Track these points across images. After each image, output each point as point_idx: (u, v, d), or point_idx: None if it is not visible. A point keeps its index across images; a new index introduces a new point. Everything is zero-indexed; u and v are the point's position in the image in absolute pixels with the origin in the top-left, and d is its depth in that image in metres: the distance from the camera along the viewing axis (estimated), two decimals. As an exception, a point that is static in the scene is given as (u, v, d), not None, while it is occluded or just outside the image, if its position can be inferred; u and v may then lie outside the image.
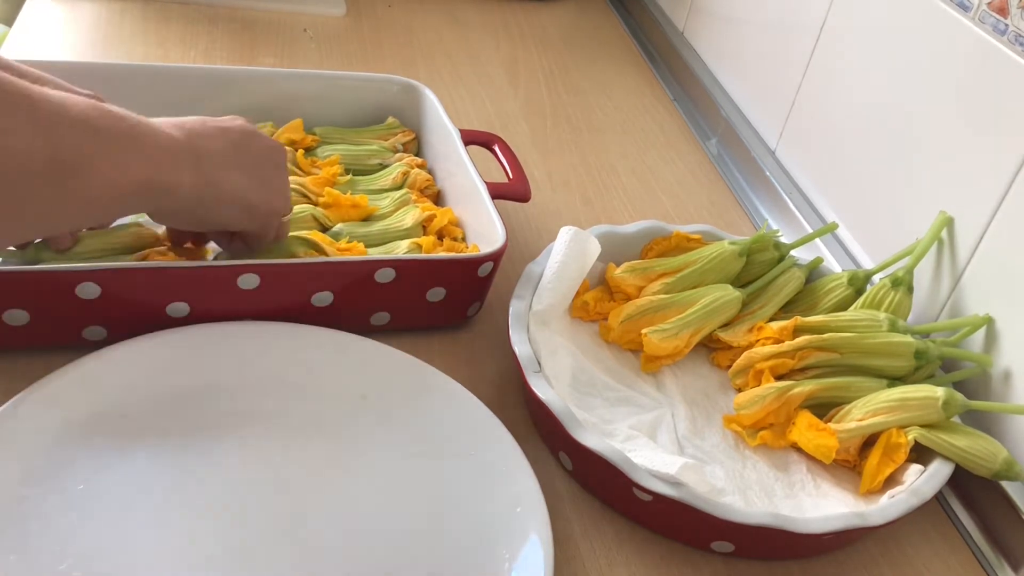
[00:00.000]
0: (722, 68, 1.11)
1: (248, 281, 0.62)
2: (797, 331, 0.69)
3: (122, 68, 0.80)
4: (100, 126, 0.50)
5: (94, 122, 0.50)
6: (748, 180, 0.99)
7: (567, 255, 0.69)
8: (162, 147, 0.54)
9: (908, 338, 0.67)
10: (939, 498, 0.68)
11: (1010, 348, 0.67)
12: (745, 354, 0.69)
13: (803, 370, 0.68)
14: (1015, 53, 0.67)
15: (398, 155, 0.83)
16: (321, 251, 0.68)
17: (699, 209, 0.94)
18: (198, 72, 0.81)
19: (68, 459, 0.55)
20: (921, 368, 0.68)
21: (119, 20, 1.02)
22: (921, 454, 0.63)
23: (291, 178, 0.75)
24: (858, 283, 0.73)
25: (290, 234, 0.69)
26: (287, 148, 0.79)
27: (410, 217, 0.74)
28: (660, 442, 0.64)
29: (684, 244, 0.76)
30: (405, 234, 0.73)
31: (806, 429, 0.64)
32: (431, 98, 0.84)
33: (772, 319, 0.72)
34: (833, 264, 0.83)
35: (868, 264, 0.82)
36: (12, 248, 0.62)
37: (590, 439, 0.57)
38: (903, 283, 0.71)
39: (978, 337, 0.69)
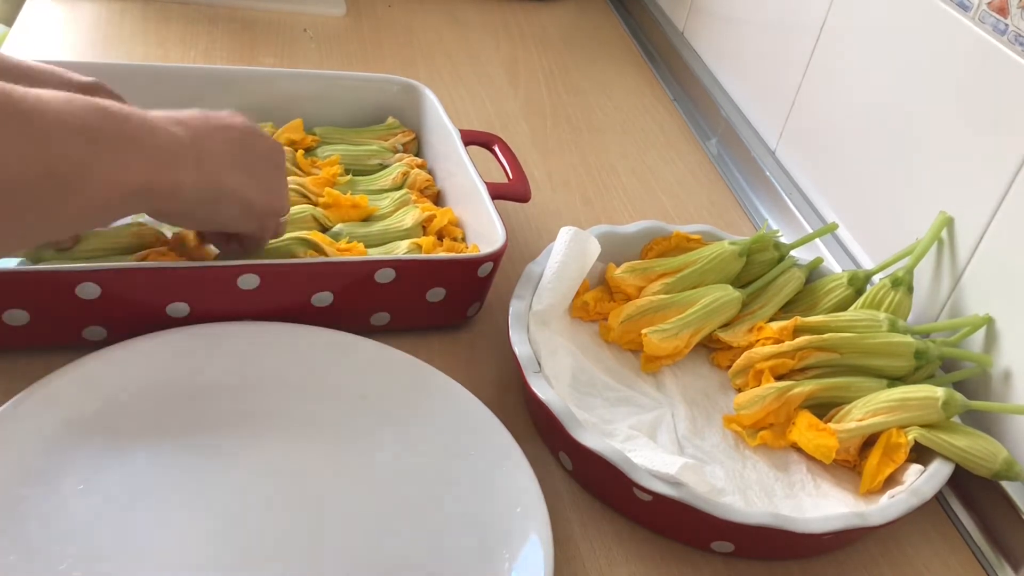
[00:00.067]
0: (722, 68, 1.11)
1: (248, 281, 0.62)
2: (797, 331, 0.69)
3: (122, 68, 0.80)
4: (99, 132, 0.49)
5: (92, 129, 0.49)
6: (748, 180, 0.99)
7: (567, 255, 0.69)
8: (163, 148, 0.54)
9: (908, 338, 0.67)
10: (939, 498, 0.68)
11: (1010, 348, 0.67)
12: (745, 354, 0.69)
13: (803, 370, 0.68)
14: (1015, 53, 0.67)
15: (398, 155, 0.83)
16: (321, 251, 0.68)
17: (699, 209, 0.94)
18: (198, 72, 0.81)
19: (68, 459, 0.55)
20: (921, 368, 0.68)
21: (119, 20, 1.02)
22: (921, 454, 0.63)
23: (291, 178, 0.75)
24: (858, 283, 0.73)
25: (290, 234, 0.69)
26: (287, 148, 0.79)
27: (410, 217, 0.74)
28: (660, 442, 0.64)
29: (684, 244, 0.76)
30: (405, 234, 0.73)
31: (806, 429, 0.64)
32: (431, 98, 0.84)
33: (772, 319, 0.72)
34: (833, 264, 0.83)
35: (868, 264, 0.82)
36: None
37: (590, 439, 0.57)
38: (903, 283, 0.71)
39: (978, 337, 0.69)
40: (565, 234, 0.70)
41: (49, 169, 0.46)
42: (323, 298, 0.65)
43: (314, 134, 0.83)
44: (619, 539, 0.60)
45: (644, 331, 0.69)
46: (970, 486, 0.67)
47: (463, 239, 0.75)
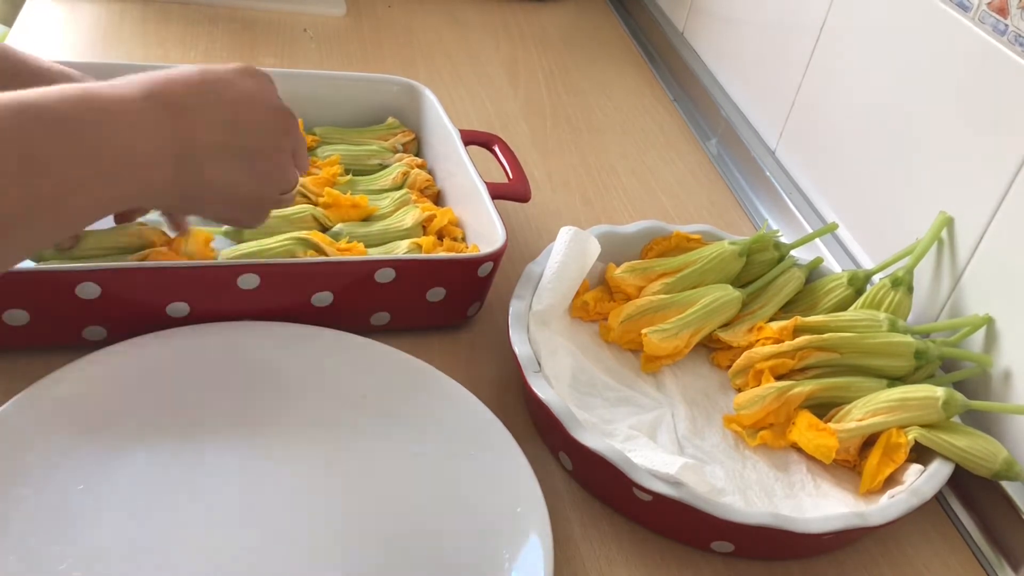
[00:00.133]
0: (722, 68, 1.11)
1: (248, 281, 0.62)
2: (797, 331, 0.69)
3: (122, 68, 0.80)
4: (44, 163, 0.44)
5: (36, 161, 0.44)
6: (748, 180, 0.99)
7: (567, 255, 0.69)
8: (128, 153, 0.48)
9: (908, 338, 0.67)
10: (939, 498, 0.68)
11: (1010, 348, 0.67)
12: (745, 354, 0.69)
13: (803, 370, 0.68)
14: (1015, 53, 0.67)
15: (398, 155, 0.83)
16: (321, 251, 0.68)
17: (699, 209, 0.94)
18: (198, 72, 0.81)
19: (68, 459, 0.55)
20: (921, 368, 0.68)
21: (119, 20, 1.02)
22: (921, 454, 0.63)
23: (291, 178, 0.76)
24: (858, 283, 0.73)
25: (290, 234, 0.69)
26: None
27: (410, 217, 0.74)
28: (660, 442, 0.64)
29: (684, 244, 0.76)
30: (405, 234, 0.73)
31: (806, 429, 0.64)
32: (431, 98, 0.84)
33: (772, 319, 0.72)
34: (833, 264, 0.83)
35: (868, 264, 0.82)
36: None
37: (590, 439, 0.57)
38: (903, 283, 0.71)
39: (978, 337, 0.69)
40: (565, 234, 0.70)
41: (22, 202, 0.43)
42: (323, 298, 0.65)
43: (314, 134, 0.83)
44: (619, 539, 0.60)
45: (644, 331, 0.69)
46: (970, 486, 0.67)
47: (463, 239, 0.75)
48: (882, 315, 0.69)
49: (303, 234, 0.69)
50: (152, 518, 0.53)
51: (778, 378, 0.68)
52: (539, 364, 0.63)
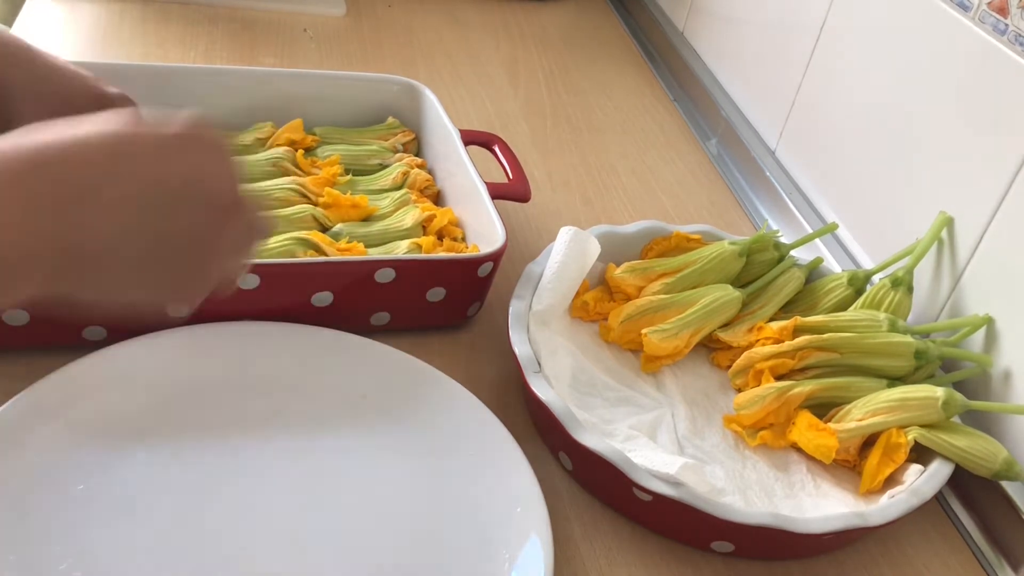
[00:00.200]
0: (722, 68, 1.11)
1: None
2: (797, 331, 0.69)
3: (122, 68, 0.80)
4: None
5: None
6: (748, 180, 0.99)
7: (567, 255, 0.69)
8: None
9: (908, 338, 0.67)
10: (939, 498, 0.68)
11: (1010, 348, 0.67)
12: (745, 354, 0.69)
13: (803, 370, 0.68)
14: (1015, 53, 0.67)
15: (398, 155, 0.83)
16: (321, 251, 0.68)
17: (699, 209, 0.94)
18: (198, 72, 0.81)
19: (68, 459, 0.55)
20: (921, 368, 0.68)
21: (119, 20, 1.02)
22: (921, 454, 0.63)
23: (291, 178, 0.76)
24: (858, 283, 0.73)
25: (290, 234, 0.69)
26: (287, 148, 0.79)
27: (410, 217, 0.74)
28: (660, 442, 0.64)
29: (684, 244, 0.76)
30: (405, 234, 0.73)
31: (806, 429, 0.64)
32: (431, 98, 0.84)
33: (772, 319, 0.72)
34: (833, 264, 0.83)
35: (868, 264, 0.82)
36: None
37: (590, 439, 0.57)
38: (903, 283, 0.71)
39: (978, 337, 0.69)
40: (565, 234, 0.70)
41: None
42: (323, 298, 0.65)
43: (314, 134, 0.83)
44: (619, 539, 0.60)
45: (644, 331, 0.69)
46: (970, 486, 0.67)
47: (463, 239, 0.75)
48: (882, 315, 0.69)
49: (303, 234, 0.69)
50: (152, 518, 0.53)
51: (778, 378, 0.68)
52: (539, 364, 0.63)
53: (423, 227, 0.74)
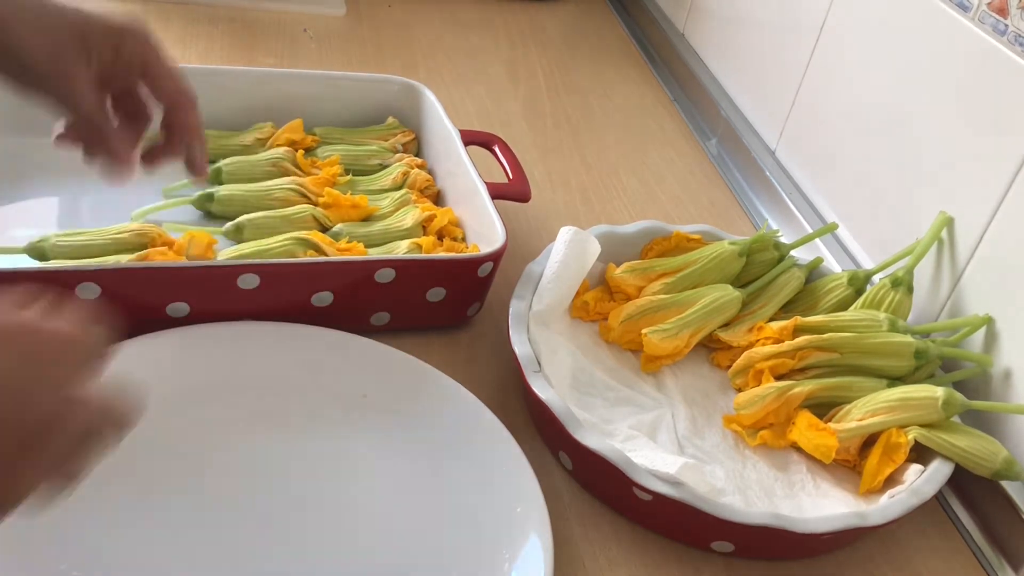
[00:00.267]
0: (722, 68, 1.11)
1: (248, 281, 0.62)
2: (797, 331, 0.69)
3: (122, 68, 0.80)
4: None
5: None
6: (748, 180, 0.99)
7: (567, 255, 0.69)
8: None
9: (908, 338, 0.67)
10: (939, 498, 0.68)
11: (1010, 348, 0.67)
12: (745, 354, 0.69)
13: (803, 370, 0.68)
14: (1015, 53, 0.67)
15: (398, 155, 0.83)
16: (321, 251, 0.68)
17: (699, 209, 0.94)
18: (198, 72, 0.81)
19: (68, 459, 0.55)
20: (921, 368, 0.68)
21: (119, 20, 1.02)
22: (921, 454, 0.63)
23: (291, 178, 0.76)
24: (858, 283, 0.73)
25: (290, 234, 0.69)
26: (287, 148, 0.79)
27: (410, 217, 0.74)
28: (660, 442, 0.64)
29: (684, 244, 0.76)
30: (405, 234, 0.73)
31: (806, 429, 0.64)
32: (431, 98, 0.84)
33: (772, 319, 0.72)
34: (833, 264, 0.83)
35: (868, 264, 0.82)
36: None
37: (590, 439, 0.57)
38: (903, 283, 0.71)
39: (978, 337, 0.69)
40: (565, 234, 0.70)
41: None
42: (323, 298, 0.65)
43: (314, 134, 0.83)
44: (619, 539, 0.60)
45: (644, 331, 0.69)
46: (970, 486, 0.67)
47: (463, 239, 0.75)
48: (882, 315, 0.69)
49: (303, 234, 0.69)
50: (152, 518, 0.53)
51: (778, 378, 0.68)
52: (539, 364, 0.63)
53: (423, 227, 0.74)
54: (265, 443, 0.59)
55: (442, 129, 0.81)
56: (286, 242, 0.68)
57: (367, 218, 0.75)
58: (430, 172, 0.82)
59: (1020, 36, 0.67)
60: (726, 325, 0.72)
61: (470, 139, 0.81)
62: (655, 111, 1.10)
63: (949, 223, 0.73)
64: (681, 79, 1.16)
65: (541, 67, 1.14)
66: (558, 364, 0.65)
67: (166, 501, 0.54)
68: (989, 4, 0.69)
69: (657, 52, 1.24)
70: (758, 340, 0.70)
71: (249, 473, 0.57)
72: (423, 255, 0.70)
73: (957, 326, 0.69)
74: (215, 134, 0.80)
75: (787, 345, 0.68)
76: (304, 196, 0.75)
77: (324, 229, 0.73)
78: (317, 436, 0.60)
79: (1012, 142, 0.67)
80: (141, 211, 0.71)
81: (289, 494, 0.56)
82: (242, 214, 0.72)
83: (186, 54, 0.98)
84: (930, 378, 0.68)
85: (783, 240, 0.77)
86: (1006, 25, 0.68)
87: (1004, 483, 0.64)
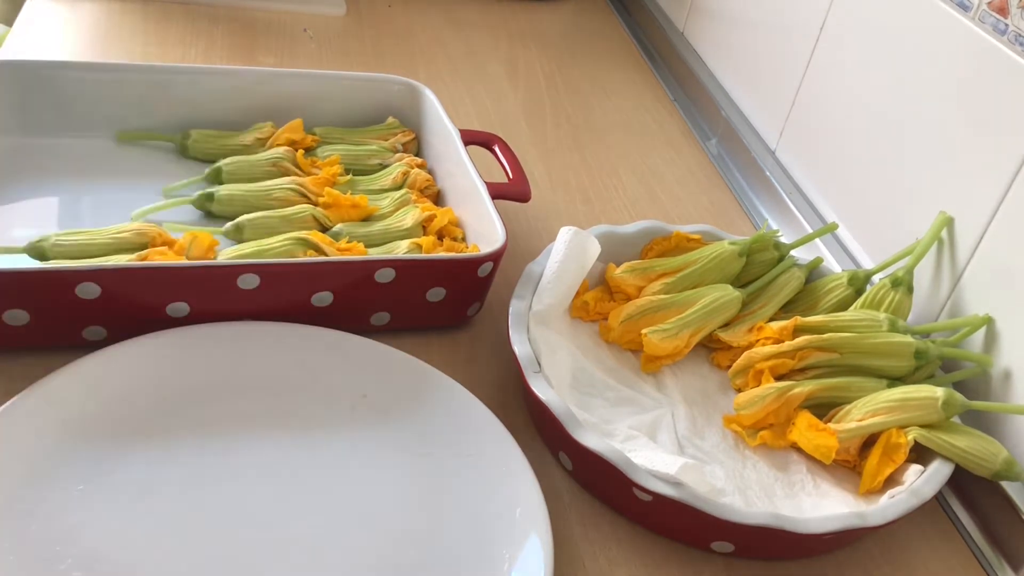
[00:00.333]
0: (722, 68, 1.11)
1: (248, 281, 0.62)
2: (797, 331, 0.69)
3: (122, 68, 0.80)
4: None
5: None
6: (748, 180, 0.99)
7: (567, 255, 0.69)
8: None
9: (908, 338, 0.67)
10: (939, 498, 0.68)
11: (1010, 348, 0.67)
12: (745, 354, 0.69)
13: (803, 370, 0.68)
14: (1015, 53, 0.67)
15: (398, 155, 0.83)
16: (321, 251, 0.68)
17: (699, 209, 0.94)
18: (198, 72, 0.81)
19: (68, 459, 0.55)
20: (921, 368, 0.68)
21: (119, 20, 1.02)
22: (921, 454, 0.63)
23: (291, 178, 0.76)
24: (858, 283, 0.73)
25: (290, 234, 0.69)
26: (287, 148, 0.79)
27: (410, 217, 0.74)
28: (660, 442, 0.64)
29: (684, 244, 0.76)
30: (405, 234, 0.73)
31: (806, 429, 0.64)
32: (431, 98, 0.84)
33: (772, 319, 0.72)
34: (833, 264, 0.83)
35: (868, 264, 0.82)
36: None
37: (590, 439, 0.57)
38: (903, 283, 0.71)
39: (978, 337, 0.69)
40: (565, 234, 0.70)
41: None
42: (323, 298, 0.65)
43: (314, 134, 0.83)
44: (619, 539, 0.60)
45: (644, 331, 0.69)
46: (970, 486, 0.67)
47: (463, 239, 0.75)
48: (882, 315, 0.69)
49: (303, 234, 0.69)
50: (152, 518, 0.53)
51: (778, 378, 0.68)
52: (539, 364, 0.63)
53: (423, 227, 0.74)
54: (265, 443, 0.59)
55: (442, 129, 0.81)
56: (286, 242, 0.68)
57: (367, 218, 0.75)
58: (430, 172, 0.82)
59: (1020, 36, 0.67)
60: (726, 325, 0.72)
61: (470, 139, 0.81)
62: (655, 111, 1.10)
63: (949, 223, 0.73)
64: (681, 79, 1.16)
65: (541, 67, 1.14)
66: (558, 364, 0.65)
67: (166, 501, 0.54)
68: (989, 4, 0.69)
69: (657, 52, 1.24)
70: (758, 340, 0.70)
71: (249, 473, 0.57)
72: (423, 255, 0.70)
73: (957, 326, 0.69)
74: (215, 134, 0.80)
75: (787, 345, 0.68)
76: (304, 196, 0.75)
77: (324, 229, 0.73)
78: (317, 436, 0.60)
79: (1012, 142, 0.67)
80: (141, 211, 0.71)
81: (289, 494, 0.56)
82: (242, 214, 0.72)
83: (186, 54, 0.98)
84: (930, 378, 0.68)
85: (783, 240, 0.77)
86: (1006, 25, 0.68)
87: (1004, 483, 0.64)
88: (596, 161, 0.98)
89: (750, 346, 0.70)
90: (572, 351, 0.68)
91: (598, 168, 0.97)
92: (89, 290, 0.59)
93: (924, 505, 0.59)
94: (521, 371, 0.62)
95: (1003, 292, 0.68)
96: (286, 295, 0.64)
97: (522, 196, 0.77)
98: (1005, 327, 0.67)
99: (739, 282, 0.74)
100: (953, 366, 0.70)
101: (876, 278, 0.74)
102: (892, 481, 0.63)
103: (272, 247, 0.68)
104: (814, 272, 0.76)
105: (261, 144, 0.81)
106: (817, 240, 0.82)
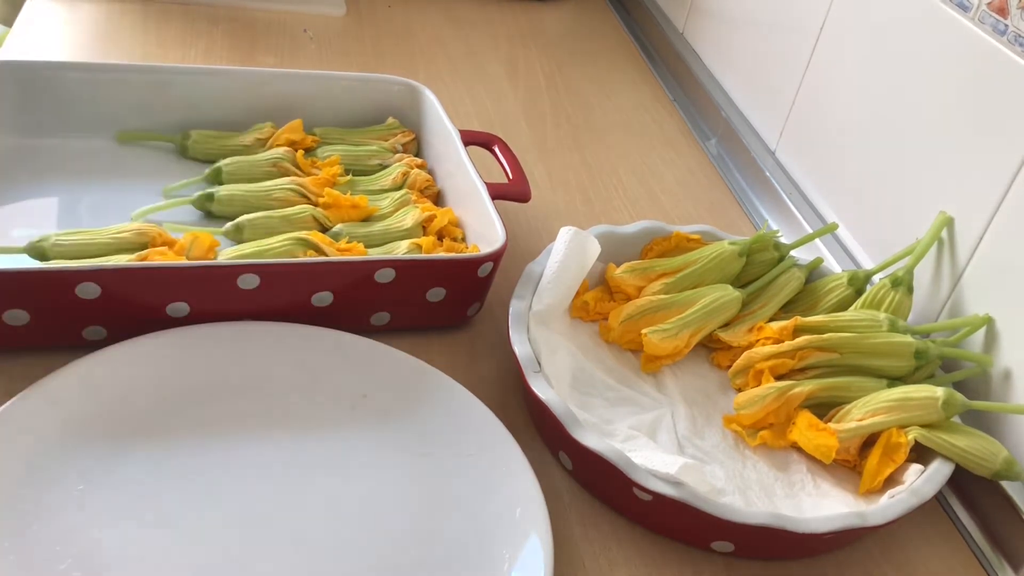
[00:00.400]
0: (722, 68, 1.11)
1: (248, 281, 0.62)
2: (797, 331, 0.69)
3: (122, 68, 0.80)
4: None
5: None
6: (748, 180, 0.99)
7: (567, 255, 0.69)
8: None
9: (908, 338, 0.67)
10: (939, 498, 0.68)
11: (1010, 348, 0.67)
12: (745, 354, 0.69)
13: (803, 370, 0.68)
14: (1015, 53, 0.67)
15: (398, 155, 0.83)
16: (321, 251, 0.68)
17: (699, 209, 0.94)
18: (198, 72, 0.81)
19: (68, 459, 0.55)
20: (921, 368, 0.68)
21: (119, 20, 1.02)
22: (921, 454, 0.63)
23: (291, 178, 0.76)
24: (858, 283, 0.73)
25: (290, 234, 0.69)
26: (287, 149, 0.79)
27: (410, 217, 0.74)
28: (660, 442, 0.64)
29: (684, 244, 0.76)
30: (405, 234, 0.73)
31: (806, 429, 0.64)
32: (431, 98, 0.84)
33: (772, 319, 0.72)
34: (833, 264, 0.83)
35: (868, 264, 0.82)
36: None
37: (590, 439, 0.57)
38: (903, 283, 0.71)
39: (978, 337, 0.69)
40: (565, 234, 0.70)
41: None
42: (323, 298, 0.65)
43: (314, 134, 0.83)
44: (619, 539, 0.60)
45: (644, 331, 0.69)
46: (970, 486, 0.67)
47: (463, 239, 0.75)
48: (882, 315, 0.69)
49: (303, 234, 0.69)
50: (152, 518, 0.53)
51: (778, 378, 0.68)
52: (539, 364, 0.63)
53: (423, 227, 0.74)
54: (265, 443, 0.59)
55: (442, 129, 0.81)
56: (286, 242, 0.68)
57: (367, 218, 0.75)
58: (430, 172, 0.82)
59: (1020, 36, 0.67)
60: (726, 325, 0.72)
61: (470, 139, 0.81)
62: (655, 111, 1.10)
63: (949, 223, 0.73)
64: (681, 79, 1.16)
65: (541, 67, 1.14)
66: (558, 364, 0.65)
67: (166, 501, 0.54)
68: (989, 4, 0.70)
69: (657, 52, 1.24)
70: (758, 340, 0.70)
71: (249, 473, 0.57)
72: (423, 255, 0.70)
73: (957, 326, 0.69)
74: (215, 134, 0.80)
75: (787, 345, 0.68)
76: (304, 196, 0.75)
77: (324, 229, 0.73)
78: (317, 436, 0.60)
79: (1012, 142, 0.67)
80: (141, 211, 0.71)
81: (289, 494, 0.56)
82: (242, 214, 0.72)
83: (186, 54, 0.98)
84: (930, 378, 0.68)
85: (783, 240, 0.77)
86: (1006, 25, 0.68)
87: (1004, 483, 0.64)
88: (596, 161, 0.98)
89: (750, 346, 0.70)
90: (572, 351, 0.68)
91: (598, 168, 0.97)
92: (89, 290, 0.59)
93: (924, 505, 0.59)
94: (521, 371, 0.62)
95: (1003, 292, 0.68)
96: (286, 295, 0.64)
97: (522, 196, 0.77)
98: (1005, 327, 0.67)
99: (739, 282, 0.74)
100: (953, 366, 0.70)
101: (876, 278, 0.74)
102: (892, 481, 0.63)
103: (272, 247, 0.68)
104: (814, 272, 0.76)
105: (261, 144, 0.81)
106: (817, 240, 0.82)
